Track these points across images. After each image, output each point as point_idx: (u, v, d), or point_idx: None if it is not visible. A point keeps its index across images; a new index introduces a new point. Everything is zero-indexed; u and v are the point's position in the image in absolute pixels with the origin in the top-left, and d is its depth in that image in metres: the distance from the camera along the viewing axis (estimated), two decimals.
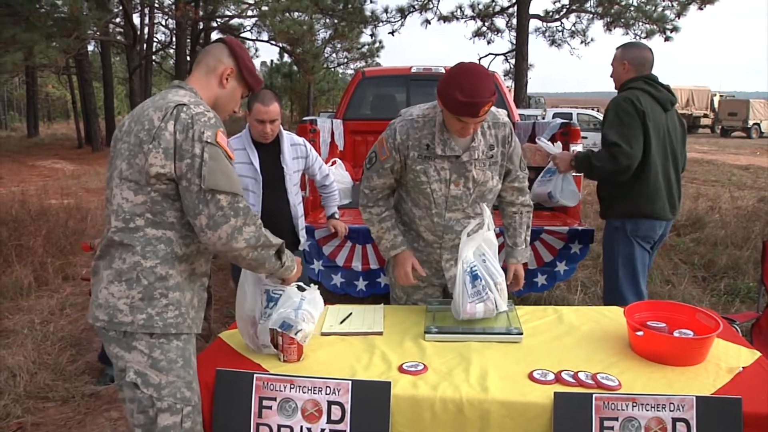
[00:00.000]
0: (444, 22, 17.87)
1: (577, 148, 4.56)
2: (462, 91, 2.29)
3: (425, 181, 2.58)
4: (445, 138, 2.53)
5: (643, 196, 3.37)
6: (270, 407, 1.93)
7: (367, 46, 23.61)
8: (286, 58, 24.96)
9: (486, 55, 19.19)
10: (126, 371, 1.90)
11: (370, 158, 2.69)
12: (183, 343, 1.94)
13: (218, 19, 20.48)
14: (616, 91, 3.60)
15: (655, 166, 3.36)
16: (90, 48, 21.42)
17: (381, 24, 18.06)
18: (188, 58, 21.04)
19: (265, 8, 15.18)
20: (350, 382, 1.92)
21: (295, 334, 2.10)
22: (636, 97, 3.34)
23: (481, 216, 2.53)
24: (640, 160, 3.29)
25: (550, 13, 17.01)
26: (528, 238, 2.87)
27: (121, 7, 13.51)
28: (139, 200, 1.87)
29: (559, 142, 4.02)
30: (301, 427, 1.90)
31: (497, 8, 17.66)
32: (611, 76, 3.67)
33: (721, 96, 36.04)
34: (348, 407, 1.89)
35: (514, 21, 16.44)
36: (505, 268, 2.62)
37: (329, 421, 1.89)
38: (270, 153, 3.48)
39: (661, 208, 3.40)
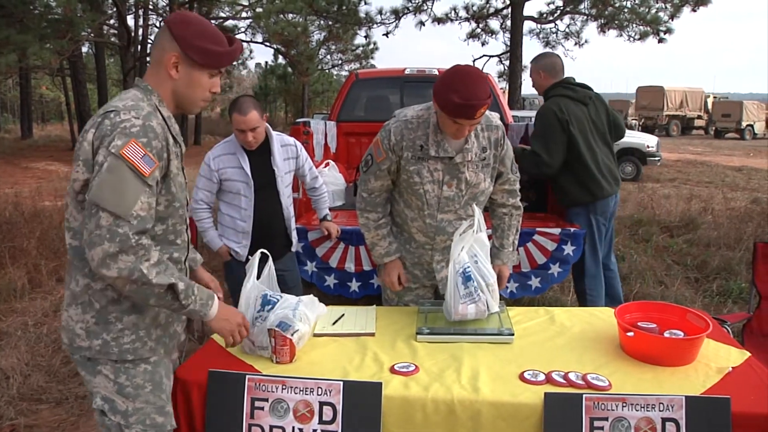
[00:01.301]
0: (438, 23, 17.85)
1: None
2: (458, 93, 2.30)
3: (418, 182, 2.59)
4: (438, 139, 2.55)
5: (590, 182, 4.04)
6: (262, 408, 1.93)
7: (361, 48, 23.58)
8: (281, 59, 24.91)
9: (480, 57, 19.15)
10: (93, 396, 1.86)
11: (366, 161, 2.69)
12: (152, 366, 1.89)
13: (213, 21, 20.48)
14: (543, 97, 4.25)
15: (587, 157, 4.01)
16: (84, 49, 21.34)
17: (375, 26, 18.03)
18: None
19: (259, 10, 15.16)
20: (341, 383, 1.93)
21: (292, 334, 2.11)
22: (558, 106, 3.98)
23: (472, 218, 2.54)
24: (575, 155, 3.99)
25: (544, 15, 17.01)
26: (516, 242, 2.88)
27: (115, 9, 13.47)
28: (81, 218, 1.76)
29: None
30: (293, 427, 1.91)
31: (491, 10, 17.65)
32: (533, 87, 4.33)
33: (714, 97, 36.15)
34: (339, 408, 1.90)
35: (509, 23, 16.45)
36: None
37: (321, 421, 1.90)
38: (260, 156, 3.49)
39: (605, 186, 4.07)
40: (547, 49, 17.18)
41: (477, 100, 2.30)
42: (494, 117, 2.67)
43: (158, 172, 1.75)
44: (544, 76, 4.18)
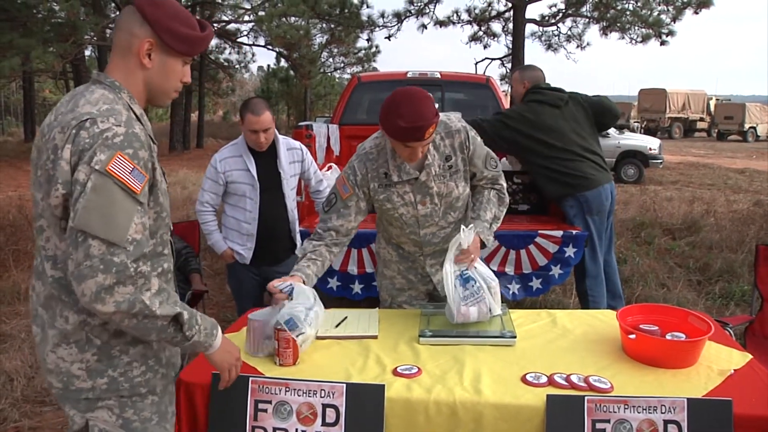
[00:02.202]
0: (440, 26, 17.88)
1: None
2: (402, 117, 2.27)
3: (391, 207, 2.60)
4: (398, 164, 2.53)
5: (574, 176, 4.16)
6: (265, 410, 1.94)
7: (363, 51, 23.64)
8: (283, 62, 24.97)
9: (482, 60, 19.17)
10: (88, 429, 1.65)
11: (329, 200, 2.62)
12: (159, 397, 1.74)
13: (215, 24, 20.52)
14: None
15: (567, 152, 4.16)
16: (87, 53, 21.40)
17: (377, 29, 18.06)
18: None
19: (261, 13, 15.20)
20: (344, 385, 1.93)
21: (297, 335, 2.12)
22: (525, 109, 4.24)
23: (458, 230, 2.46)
24: (555, 153, 4.17)
25: (546, 18, 17.02)
26: (492, 220, 2.68)
27: (118, 12, 13.52)
28: (64, 247, 1.52)
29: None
30: (296, 429, 1.92)
31: (493, 13, 17.67)
32: (511, 95, 4.63)
33: (717, 100, 36.16)
34: (342, 410, 1.91)
35: (511, 25, 16.47)
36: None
37: (324, 423, 1.91)
38: (266, 159, 3.50)
39: (592, 178, 4.17)
40: (550, 52, 17.25)
41: (423, 120, 2.27)
42: (454, 121, 2.61)
43: (147, 186, 1.55)
44: (526, 85, 4.38)
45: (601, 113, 4.39)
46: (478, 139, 2.66)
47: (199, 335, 1.64)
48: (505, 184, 2.78)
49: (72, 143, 1.48)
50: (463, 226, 2.43)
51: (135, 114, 1.61)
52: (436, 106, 2.39)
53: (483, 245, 2.58)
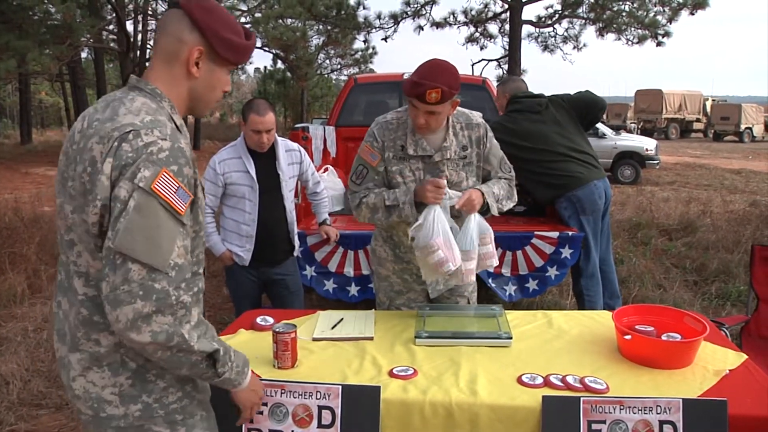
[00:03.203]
0: (437, 28, 17.88)
1: None
2: (417, 73, 2.41)
3: (401, 182, 2.61)
4: (416, 138, 2.59)
5: (561, 176, 4.21)
6: (261, 412, 1.94)
7: (360, 53, 23.64)
8: (280, 64, 24.98)
9: (479, 61, 19.18)
10: None
11: (360, 172, 2.63)
12: (206, 412, 1.66)
13: None
14: None
15: (551, 153, 4.21)
16: (83, 55, 21.37)
17: (374, 30, 18.04)
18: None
19: (258, 15, 15.20)
20: (340, 386, 1.93)
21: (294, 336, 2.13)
22: (496, 124, 4.05)
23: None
24: (540, 156, 4.22)
25: (543, 19, 17.03)
26: (500, 197, 2.68)
27: (114, 15, 13.51)
28: (98, 266, 1.43)
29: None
30: (292, 431, 1.92)
31: (490, 14, 17.68)
32: (498, 109, 4.68)
33: (713, 100, 36.20)
34: (338, 412, 1.91)
35: (507, 27, 16.48)
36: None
37: (320, 425, 1.91)
38: (266, 160, 3.50)
39: (580, 176, 4.20)
40: (546, 53, 17.27)
41: (429, 80, 2.36)
42: (475, 116, 2.71)
43: (190, 206, 1.46)
44: (505, 97, 4.49)
45: (585, 108, 4.43)
46: (495, 141, 2.74)
47: (230, 372, 1.56)
48: (515, 190, 2.82)
49: (113, 157, 1.37)
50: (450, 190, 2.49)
51: (176, 124, 1.52)
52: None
53: (486, 212, 2.61)
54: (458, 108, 2.63)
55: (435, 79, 2.36)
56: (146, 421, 1.51)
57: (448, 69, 2.45)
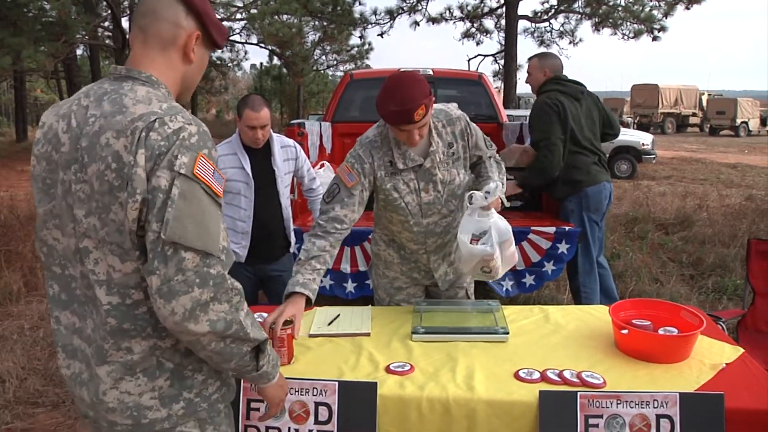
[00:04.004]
0: (433, 23, 17.90)
1: None
2: (393, 101, 2.31)
3: (398, 197, 2.58)
4: (402, 151, 2.54)
5: (579, 170, 4.16)
6: (258, 409, 1.94)
7: (356, 48, 23.59)
8: (276, 60, 24.96)
9: (475, 56, 19.23)
10: None
11: (332, 191, 2.55)
12: (228, 409, 1.64)
13: None
14: (535, 95, 4.41)
15: (578, 145, 4.14)
16: (79, 52, 21.29)
17: (370, 26, 18.05)
18: None
19: (254, 11, 15.17)
20: (337, 383, 1.93)
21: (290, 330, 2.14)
22: (551, 99, 4.13)
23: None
24: (569, 145, 4.12)
25: (539, 14, 17.05)
26: (503, 178, 2.72)
27: (109, 11, 13.47)
28: (129, 268, 1.38)
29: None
30: (289, 428, 1.92)
31: (486, 9, 17.69)
32: (529, 82, 4.46)
33: (709, 95, 36.24)
34: (335, 408, 1.90)
35: (503, 22, 16.49)
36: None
37: (317, 422, 1.91)
38: (261, 156, 3.49)
39: (595, 173, 4.19)
40: (542, 48, 17.27)
41: (411, 103, 2.29)
42: (452, 109, 2.65)
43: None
44: (547, 74, 4.32)
45: (609, 125, 4.44)
46: (475, 125, 2.70)
47: (267, 365, 1.56)
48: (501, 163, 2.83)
49: (144, 147, 1.31)
50: (475, 191, 2.44)
51: None
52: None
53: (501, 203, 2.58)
54: (435, 105, 2.56)
55: (414, 99, 2.30)
56: (189, 417, 1.49)
57: (416, 79, 2.37)
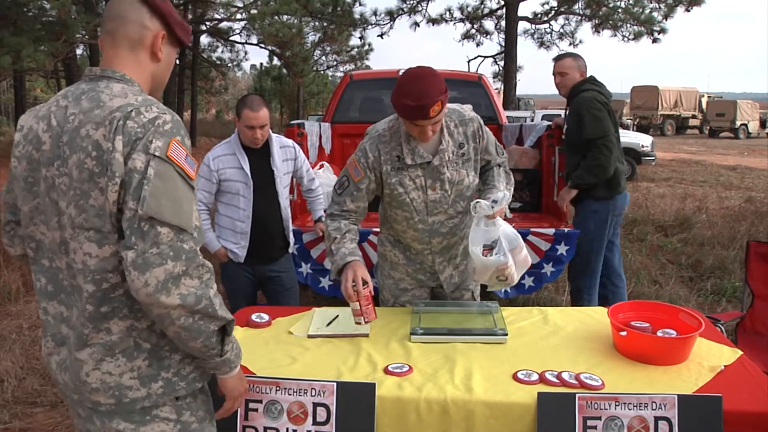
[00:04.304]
0: (433, 24, 17.91)
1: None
2: (410, 95, 2.31)
3: (402, 192, 2.58)
4: (412, 147, 2.54)
5: (620, 174, 4.13)
6: (256, 409, 1.94)
7: (356, 49, 23.61)
8: (276, 61, 24.96)
9: (475, 57, 19.24)
10: None
11: (341, 183, 2.63)
12: (206, 396, 1.70)
13: (207, 23, 20.45)
14: (562, 95, 4.29)
15: (616, 149, 4.07)
16: (78, 52, 21.27)
17: (370, 27, 18.07)
18: (177, 62, 20.95)
19: (254, 11, 15.16)
20: (335, 383, 1.93)
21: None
22: (599, 98, 4.05)
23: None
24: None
25: (539, 15, 17.05)
26: (509, 189, 2.68)
27: None
28: (107, 252, 1.44)
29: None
30: (287, 429, 1.91)
31: (486, 10, 17.70)
32: (560, 82, 4.25)
33: (709, 97, 36.29)
34: (333, 409, 1.90)
35: (503, 23, 16.49)
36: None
37: (315, 422, 1.91)
38: (260, 157, 3.49)
39: (623, 181, 4.18)
40: (543, 50, 17.30)
41: (427, 98, 2.29)
42: (466, 110, 2.65)
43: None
44: (581, 74, 4.21)
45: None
46: (487, 128, 2.70)
47: (231, 352, 1.59)
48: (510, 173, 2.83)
49: (121, 134, 1.40)
50: (480, 200, 2.45)
51: None
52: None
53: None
54: (448, 105, 2.56)
55: (431, 94, 2.30)
56: (168, 396, 1.54)
57: (433, 75, 2.38)
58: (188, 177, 1.46)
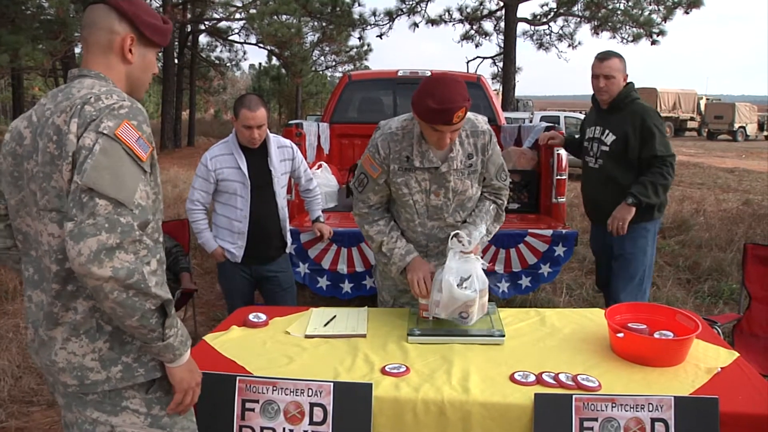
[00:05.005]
0: (432, 25, 17.95)
1: (562, 152, 4.58)
2: (434, 98, 2.28)
3: (407, 193, 2.58)
4: (423, 150, 2.53)
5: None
6: (253, 409, 1.93)
7: (355, 50, 23.65)
8: (275, 61, 24.95)
9: (474, 59, 19.30)
10: None
11: (361, 180, 2.63)
12: (169, 385, 1.67)
13: (206, 22, 20.46)
14: (604, 101, 3.70)
15: None
16: (77, 50, 21.31)
17: (369, 27, 18.12)
18: (176, 61, 20.96)
19: (253, 11, 15.18)
20: (332, 383, 1.93)
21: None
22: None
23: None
24: None
25: (538, 17, 17.10)
26: (487, 229, 2.66)
27: None
28: (63, 232, 1.45)
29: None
30: (284, 429, 1.91)
31: (485, 12, 17.73)
32: (608, 88, 3.63)
33: (707, 99, 36.36)
34: (330, 409, 1.90)
35: (502, 24, 16.52)
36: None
37: (311, 422, 1.90)
38: (257, 157, 3.49)
39: None
40: (542, 52, 17.33)
41: (453, 103, 2.27)
42: (481, 122, 2.63)
43: (150, 159, 1.54)
44: (624, 78, 3.67)
45: None
46: (497, 147, 2.68)
47: (174, 338, 1.55)
48: (506, 201, 2.78)
49: (78, 117, 1.47)
50: (458, 232, 2.40)
51: None
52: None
53: None
54: None
55: (455, 100, 2.27)
56: (127, 382, 1.56)
57: (459, 81, 2.35)
58: (137, 157, 1.48)
